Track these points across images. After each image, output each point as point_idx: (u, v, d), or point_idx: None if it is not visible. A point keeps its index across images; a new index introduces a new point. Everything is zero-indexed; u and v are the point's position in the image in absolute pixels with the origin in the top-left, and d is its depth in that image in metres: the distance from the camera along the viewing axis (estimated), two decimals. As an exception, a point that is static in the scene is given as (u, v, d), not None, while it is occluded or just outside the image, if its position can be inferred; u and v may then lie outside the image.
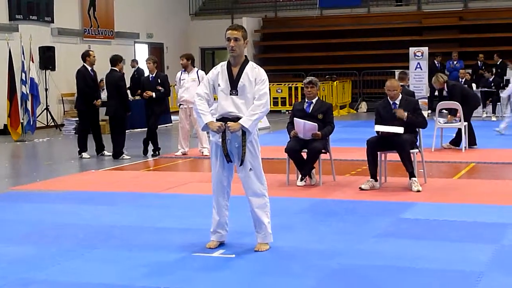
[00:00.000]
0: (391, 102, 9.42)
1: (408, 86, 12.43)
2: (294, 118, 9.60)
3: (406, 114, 9.17)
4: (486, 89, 20.29)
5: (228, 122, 6.03)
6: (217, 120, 6.11)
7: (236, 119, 6.04)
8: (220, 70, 6.20)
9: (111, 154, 13.29)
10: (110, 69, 13.22)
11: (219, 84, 6.14)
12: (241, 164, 6.13)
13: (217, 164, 6.22)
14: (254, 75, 6.12)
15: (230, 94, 6.10)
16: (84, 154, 13.40)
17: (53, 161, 13.45)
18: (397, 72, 22.88)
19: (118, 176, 11.15)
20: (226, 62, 6.23)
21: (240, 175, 6.20)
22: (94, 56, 13.61)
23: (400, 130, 9.09)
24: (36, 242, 6.73)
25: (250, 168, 6.14)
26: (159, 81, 13.32)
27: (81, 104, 13.47)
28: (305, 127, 9.45)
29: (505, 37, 24.08)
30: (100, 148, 13.62)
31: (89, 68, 13.48)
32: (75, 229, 7.25)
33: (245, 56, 6.24)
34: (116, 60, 13.23)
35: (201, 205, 8.20)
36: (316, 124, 9.49)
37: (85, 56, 13.55)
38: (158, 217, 7.82)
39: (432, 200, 8.53)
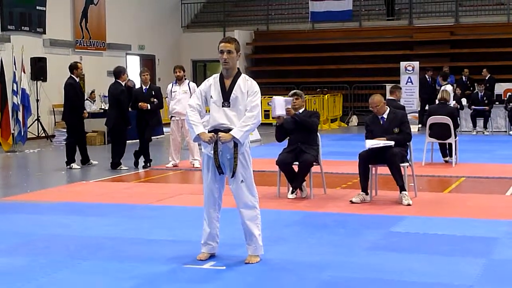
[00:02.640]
0: (379, 117, 9.49)
1: (399, 100, 12.47)
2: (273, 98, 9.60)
3: (384, 139, 9.19)
4: (477, 107, 20.19)
5: (219, 133, 6.05)
6: (209, 131, 6.13)
7: (228, 130, 6.06)
8: (212, 82, 6.22)
9: (97, 163, 13.32)
10: (114, 81, 13.24)
11: (211, 96, 6.16)
12: (232, 176, 6.15)
13: (209, 176, 6.22)
14: (247, 87, 6.14)
15: (222, 106, 6.12)
16: (74, 165, 13.40)
17: (44, 172, 13.43)
18: (388, 86, 22.99)
19: (109, 188, 11.13)
20: (218, 74, 6.26)
21: (231, 187, 6.21)
22: (81, 69, 13.67)
23: (390, 143, 9.14)
24: (26, 253, 6.70)
25: (242, 180, 6.15)
26: (153, 93, 13.33)
27: (72, 116, 13.46)
28: (279, 103, 9.40)
29: (496, 52, 24.23)
30: (86, 159, 13.63)
31: (77, 80, 13.53)
32: (65, 240, 7.23)
33: (238, 68, 6.27)
34: (119, 72, 13.24)
35: (191, 217, 8.19)
36: (291, 98, 9.51)
37: (73, 68, 13.55)
38: (148, 228, 7.81)
39: (422, 213, 8.56)
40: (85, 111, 13.66)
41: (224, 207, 6.42)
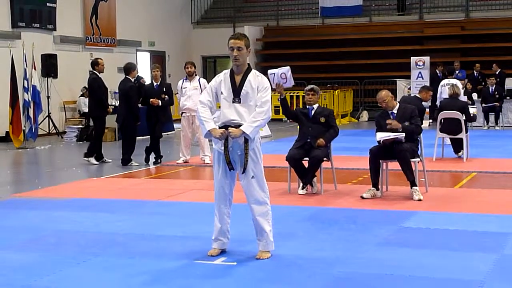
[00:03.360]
0: (389, 112, 9.46)
1: (426, 101, 12.51)
2: (268, 71, 9.53)
3: (400, 125, 9.18)
4: (489, 104, 20.10)
5: (229, 128, 6.05)
6: (219, 128, 6.13)
7: (239, 126, 6.05)
8: (223, 78, 6.22)
9: (111, 160, 13.34)
10: (124, 78, 13.28)
11: (221, 92, 6.16)
12: (243, 172, 6.15)
13: (219, 172, 6.23)
14: (257, 83, 6.14)
15: (233, 102, 6.12)
16: (92, 159, 13.46)
17: (55, 168, 13.47)
18: (398, 81, 23.02)
19: (119, 184, 11.16)
20: (229, 70, 6.25)
21: (242, 182, 6.21)
22: (103, 65, 13.70)
23: (401, 135, 9.09)
24: (38, 249, 6.73)
25: (252, 176, 6.15)
26: (164, 90, 13.35)
27: (99, 110, 13.53)
28: (280, 75, 9.38)
29: (507, 47, 24.14)
30: (100, 156, 13.67)
31: (99, 75, 13.59)
32: (76, 236, 7.25)
33: (248, 64, 6.26)
34: (129, 68, 13.26)
35: (202, 213, 8.20)
36: (288, 67, 9.46)
37: (95, 64, 13.62)
38: (159, 224, 7.83)
39: (433, 209, 8.54)
40: (110, 105, 13.81)
41: (234, 203, 6.41)
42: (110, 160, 13.66)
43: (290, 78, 9.38)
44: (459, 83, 16.56)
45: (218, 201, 6.29)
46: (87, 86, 13.87)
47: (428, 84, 21.51)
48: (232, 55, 6.12)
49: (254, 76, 6.17)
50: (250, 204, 6.23)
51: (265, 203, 6.23)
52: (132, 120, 13.13)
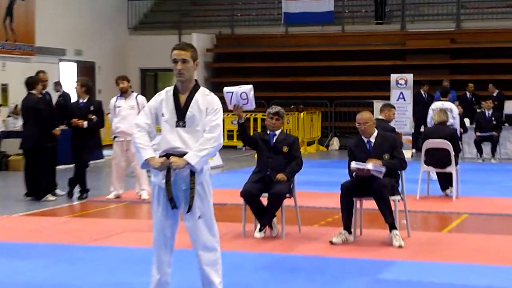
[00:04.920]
0: (365, 140, 9.50)
1: (390, 121, 12.57)
2: (224, 88, 9.51)
3: (380, 161, 9.24)
4: (485, 133, 20.08)
5: (171, 158, 6.01)
6: (160, 156, 6.10)
7: (183, 155, 6.03)
8: (164, 97, 6.19)
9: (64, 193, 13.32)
10: (27, 93, 13.18)
11: (162, 114, 6.13)
12: (188, 211, 6.11)
13: (159, 210, 6.18)
14: (206, 103, 6.12)
15: (176, 126, 6.09)
16: (50, 196, 13.24)
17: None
18: (375, 103, 23.09)
19: (36, 223, 11.02)
20: (172, 87, 6.24)
21: (187, 224, 6.17)
22: (46, 81, 13.62)
23: (380, 169, 9.13)
24: None
25: (199, 216, 6.11)
26: (92, 109, 13.27)
27: (48, 138, 13.26)
28: (240, 95, 9.37)
29: (505, 64, 24.43)
30: (51, 187, 13.48)
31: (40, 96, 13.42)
32: (-18, 288, 7.14)
33: (195, 80, 6.26)
34: (33, 82, 13.19)
35: (137, 260, 8.13)
36: (251, 85, 9.46)
37: (32, 83, 13.34)
38: (83, 274, 7.73)
39: (416, 257, 8.58)
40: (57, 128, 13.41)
41: (177, 248, 6.36)
42: (63, 193, 13.49)
43: (251, 100, 9.40)
44: (454, 107, 16.73)
45: (157, 247, 6.24)
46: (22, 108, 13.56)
47: (411, 107, 21.76)
48: (176, 69, 6.10)
49: (203, 95, 6.16)
50: (197, 250, 6.19)
51: (215, 249, 6.20)
52: (45, 140, 12.97)
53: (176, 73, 6.12)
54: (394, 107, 13.19)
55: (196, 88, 6.18)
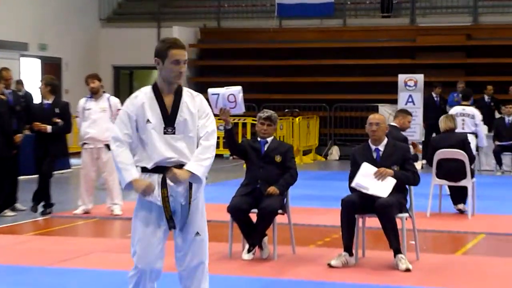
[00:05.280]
0: (373, 148, 9.49)
1: (404, 130, 12.59)
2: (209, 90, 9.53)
3: (391, 172, 9.21)
4: (505, 142, 20.01)
5: (173, 170, 5.98)
6: (151, 170, 6.05)
7: (179, 166, 6.02)
8: (145, 99, 6.10)
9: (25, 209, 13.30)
10: None
11: (148, 120, 6.06)
12: (182, 228, 6.09)
13: (148, 228, 6.11)
14: (197, 106, 6.10)
15: (165, 133, 6.07)
16: (8, 211, 13.21)
17: None
18: (381, 107, 23.12)
19: (-7, 242, 11.02)
20: (149, 88, 6.18)
21: (179, 242, 6.13)
22: (9, 79, 13.59)
23: (391, 180, 9.10)
24: None
25: (197, 233, 6.12)
26: (57, 111, 13.25)
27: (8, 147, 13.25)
28: (227, 97, 9.41)
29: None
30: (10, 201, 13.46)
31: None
32: None
33: None
34: None
35: (108, 285, 8.12)
36: (240, 87, 9.49)
37: None
38: (48, 300, 7.74)
39: (425, 283, 8.59)
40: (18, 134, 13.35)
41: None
42: (24, 208, 13.48)
43: (240, 103, 9.41)
44: (477, 113, 16.66)
45: (140, 272, 6.16)
46: None
47: (421, 111, 21.71)
48: (177, 71, 6.04)
49: (191, 97, 6.14)
50: (187, 272, 6.16)
51: (207, 272, 6.21)
52: (7, 148, 12.93)
53: (175, 75, 6.05)
54: (410, 114, 13.16)
55: (180, 88, 6.16)
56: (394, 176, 9.19)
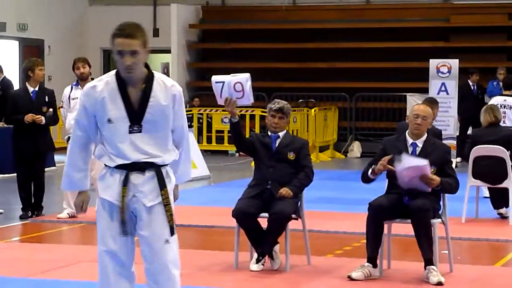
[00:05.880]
0: (410, 141, 9.44)
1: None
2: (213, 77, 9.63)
3: (439, 179, 9.12)
4: None
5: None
6: (115, 168, 6.09)
7: (145, 168, 6.05)
8: (106, 92, 6.03)
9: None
10: None
11: (109, 119, 6.02)
12: (172, 234, 6.12)
13: (112, 230, 6.21)
14: (168, 96, 6.07)
15: (130, 132, 6.04)
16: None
17: None
18: (409, 97, 23.07)
19: (-35, 250, 11.07)
20: (113, 75, 6.10)
21: (145, 250, 6.16)
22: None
23: (435, 179, 9.02)
24: None
25: (167, 240, 6.14)
26: (46, 100, 13.29)
27: None
28: (233, 85, 9.47)
29: None
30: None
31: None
32: None
33: (146, 64, 6.11)
34: None
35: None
36: (248, 74, 9.55)
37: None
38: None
39: (461, 298, 8.62)
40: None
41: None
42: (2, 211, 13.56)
43: (248, 92, 9.43)
44: None
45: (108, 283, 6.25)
46: None
47: (455, 102, 21.65)
48: (123, 64, 5.95)
49: (163, 87, 6.08)
50: (155, 283, 6.20)
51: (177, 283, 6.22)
52: None
53: (123, 68, 5.96)
54: (437, 103, 13.11)
55: (150, 77, 6.08)
56: (442, 185, 9.12)
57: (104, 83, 6.03)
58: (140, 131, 6.00)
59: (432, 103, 12.99)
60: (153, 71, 6.10)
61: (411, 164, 8.89)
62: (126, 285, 6.23)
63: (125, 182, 6.03)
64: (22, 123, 13.06)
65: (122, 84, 6.01)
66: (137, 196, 6.07)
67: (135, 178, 6.04)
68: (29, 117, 13.02)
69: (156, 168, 6.04)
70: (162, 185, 6.05)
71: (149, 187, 6.06)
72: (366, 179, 9.41)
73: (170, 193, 6.12)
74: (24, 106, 13.15)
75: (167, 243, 6.11)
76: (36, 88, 13.37)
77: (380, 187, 9.58)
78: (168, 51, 26.17)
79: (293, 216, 9.67)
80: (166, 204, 6.07)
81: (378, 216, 9.20)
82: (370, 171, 9.24)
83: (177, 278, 6.16)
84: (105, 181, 6.14)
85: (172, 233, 6.09)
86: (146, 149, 6.02)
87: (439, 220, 9.48)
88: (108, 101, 5.98)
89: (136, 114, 5.99)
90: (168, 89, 6.06)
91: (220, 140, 22.74)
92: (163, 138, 6.08)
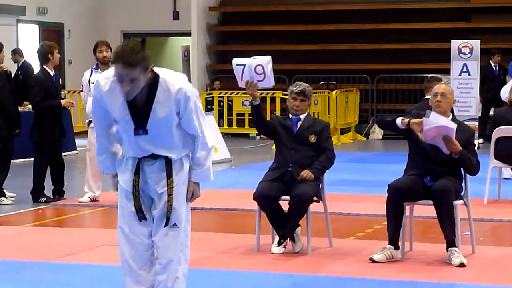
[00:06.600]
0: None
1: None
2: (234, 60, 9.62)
3: (460, 148, 9.09)
4: None
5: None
6: (128, 158, 6.19)
7: (156, 158, 6.14)
8: (112, 91, 6.09)
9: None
10: None
11: (115, 119, 6.13)
12: (166, 224, 6.19)
13: (124, 220, 6.30)
14: (173, 102, 6.05)
15: (136, 134, 6.09)
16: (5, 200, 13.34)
17: None
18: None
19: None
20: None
21: (156, 236, 6.27)
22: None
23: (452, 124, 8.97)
24: None
25: (175, 224, 6.18)
26: (61, 83, 13.34)
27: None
28: (254, 68, 9.47)
29: None
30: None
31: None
32: None
33: (151, 69, 6.09)
34: None
35: (118, 282, 8.16)
36: (269, 57, 9.54)
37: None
38: (50, 300, 7.80)
39: (483, 280, 8.61)
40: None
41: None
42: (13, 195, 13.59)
43: (269, 75, 9.42)
44: None
45: (130, 266, 6.30)
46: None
47: (477, 83, 21.58)
48: (122, 89, 5.98)
49: (167, 91, 6.06)
50: (164, 267, 6.26)
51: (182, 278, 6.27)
52: (8, 127, 13.00)
53: (124, 93, 6.00)
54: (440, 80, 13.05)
55: (155, 80, 6.07)
56: (461, 156, 9.11)
57: (111, 83, 6.06)
58: (146, 133, 6.07)
59: (438, 81, 12.91)
60: (159, 72, 6.08)
61: (440, 123, 8.86)
62: (145, 270, 6.28)
63: (137, 171, 6.11)
64: (54, 108, 13.09)
65: None
66: (148, 182, 6.17)
67: (147, 164, 6.14)
68: (68, 103, 13.07)
69: (166, 158, 6.10)
70: (169, 174, 6.12)
71: (158, 175, 6.13)
72: (384, 123, 9.38)
73: (178, 184, 6.17)
74: (51, 90, 13.18)
75: (175, 227, 6.20)
76: (54, 72, 13.40)
77: (402, 169, 9.55)
78: (188, 34, 26.16)
79: (315, 198, 9.67)
80: (169, 194, 6.11)
81: (397, 197, 9.19)
82: (400, 119, 9.14)
83: (180, 273, 6.30)
84: (121, 168, 6.26)
85: (166, 224, 6.15)
86: (152, 150, 6.12)
87: (461, 201, 9.46)
88: (114, 102, 6.07)
89: (140, 118, 6.05)
90: (172, 93, 6.04)
91: (240, 123, 22.75)
92: (169, 139, 6.13)
